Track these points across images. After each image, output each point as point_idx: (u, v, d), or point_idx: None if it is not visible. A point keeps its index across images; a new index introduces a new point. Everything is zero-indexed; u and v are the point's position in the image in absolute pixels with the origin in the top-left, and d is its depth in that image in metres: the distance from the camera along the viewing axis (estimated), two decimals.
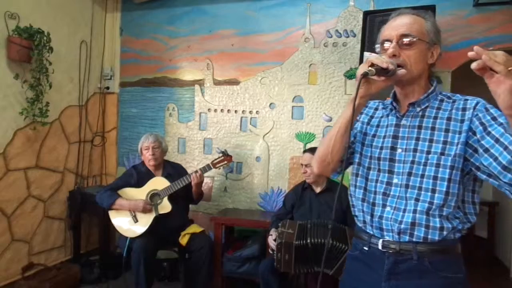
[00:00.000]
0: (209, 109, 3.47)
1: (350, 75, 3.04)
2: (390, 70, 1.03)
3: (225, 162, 2.92)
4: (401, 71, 1.06)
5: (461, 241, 1.14)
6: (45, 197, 3.16)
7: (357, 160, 1.24)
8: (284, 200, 2.77)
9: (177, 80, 3.57)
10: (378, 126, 1.22)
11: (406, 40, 1.08)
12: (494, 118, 1.00)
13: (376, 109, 1.27)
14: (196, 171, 2.80)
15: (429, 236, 1.08)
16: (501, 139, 0.96)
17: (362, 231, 1.21)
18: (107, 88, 3.73)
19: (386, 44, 1.11)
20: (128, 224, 2.71)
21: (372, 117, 1.26)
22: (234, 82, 3.39)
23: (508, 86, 0.80)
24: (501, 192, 1.02)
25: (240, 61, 3.36)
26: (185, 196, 2.90)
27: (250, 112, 3.34)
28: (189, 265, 2.79)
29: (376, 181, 1.17)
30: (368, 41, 2.51)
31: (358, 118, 1.26)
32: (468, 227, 1.12)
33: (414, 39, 1.07)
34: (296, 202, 2.63)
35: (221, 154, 2.95)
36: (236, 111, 3.38)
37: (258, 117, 3.32)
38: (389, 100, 1.22)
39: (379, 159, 1.17)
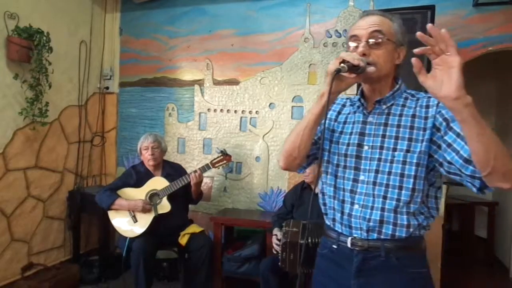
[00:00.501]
0: (208, 109, 3.47)
1: None
2: (361, 67, 1.05)
3: (224, 161, 2.92)
4: (371, 69, 1.07)
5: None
6: (44, 197, 3.16)
7: (326, 158, 1.24)
8: (284, 200, 2.77)
9: (176, 80, 3.57)
10: (345, 122, 1.23)
11: (372, 40, 1.09)
12: None
13: (344, 105, 1.28)
14: (195, 171, 2.80)
15: (397, 234, 1.10)
16: (462, 133, 0.97)
17: (331, 229, 1.22)
18: (107, 88, 3.73)
19: (352, 44, 1.12)
20: (128, 224, 2.71)
21: (339, 113, 1.27)
22: (233, 82, 3.39)
23: (458, 63, 0.82)
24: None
25: (240, 61, 3.36)
26: (185, 196, 2.90)
27: (250, 112, 3.33)
28: (188, 265, 2.79)
29: (343, 178, 1.18)
30: None
31: None
32: (431, 222, 1.15)
33: (381, 40, 1.08)
34: (295, 202, 2.63)
35: (220, 154, 2.95)
36: (235, 111, 3.38)
37: (257, 117, 3.32)
38: (356, 96, 1.23)
39: (345, 155, 1.18)
